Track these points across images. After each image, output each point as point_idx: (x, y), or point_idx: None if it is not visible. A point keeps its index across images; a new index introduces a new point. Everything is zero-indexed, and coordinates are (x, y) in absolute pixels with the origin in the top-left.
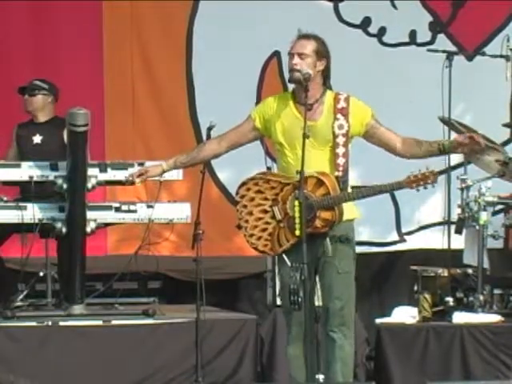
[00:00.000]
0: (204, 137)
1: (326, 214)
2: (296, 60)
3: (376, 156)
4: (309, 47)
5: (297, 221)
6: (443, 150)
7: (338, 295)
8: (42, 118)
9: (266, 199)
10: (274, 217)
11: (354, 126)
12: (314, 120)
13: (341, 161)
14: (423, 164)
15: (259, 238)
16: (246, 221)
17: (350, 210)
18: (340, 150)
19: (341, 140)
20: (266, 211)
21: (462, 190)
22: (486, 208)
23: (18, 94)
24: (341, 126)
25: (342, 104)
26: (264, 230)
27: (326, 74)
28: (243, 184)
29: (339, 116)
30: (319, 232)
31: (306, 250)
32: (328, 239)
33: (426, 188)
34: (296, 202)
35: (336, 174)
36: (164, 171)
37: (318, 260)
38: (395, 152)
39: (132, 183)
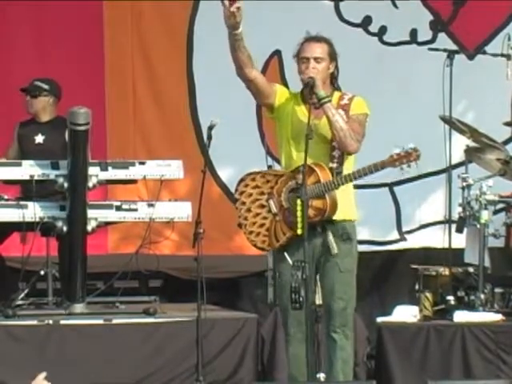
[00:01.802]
0: (205, 136)
1: (318, 202)
2: (313, 64)
3: (375, 155)
4: (323, 51)
5: (299, 219)
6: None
7: (341, 295)
8: (45, 118)
9: (262, 194)
10: (270, 211)
11: None
12: (319, 119)
13: (336, 153)
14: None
15: (258, 235)
16: (245, 218)
17: (351, 210)
18: (336, 143)
19: None
20: (263, 206)
21: (462, 188)
22: (487, 207)
23: (21, 94)
24: None
25: (345, 101)
26: (262, 225)
27: (334, 75)
28: (241, 180)
29: (340, 111)
30: (312, 221)
31: (307, 249)
32: (331, 237)
33: (409, 166)
34: (298, 201)
35: (330, 165)
36: (238, 32)
37: (319, 258)
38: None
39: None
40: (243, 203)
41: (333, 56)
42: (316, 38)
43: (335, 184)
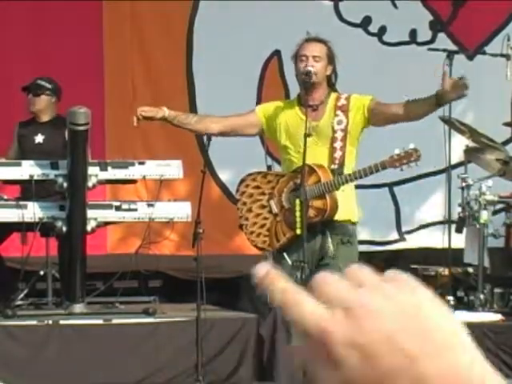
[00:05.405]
0: (204, 136)
1: (318, 202)
2: (312, 62)
3: (375, 155)
4: (322, 50)
5: (298, 219)
6: (440, 98)
7: None
8: (45, 117)
9: (263, 194)
10: (271, 211)
11: (355, 119)
12: (317, 120)
13: (337, 154)
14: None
15: (258, 235)
16: (246, 218)
17: (351, 212)
18: (337, 145)
19: (339, 135)
20: (263, 206)
21: (462, 188)
22: (487, 207)
23: (21, 93)
24: (340, 122)
25: (342, 102)
26: (263, 225)
27: (332, 78)
28: (242, 181)
29: (339, 112)
30: (313, 222)
31: (306, 250)
32: (329, 239)
33: (410, 167)
34: (297, 201)
35: (332, 167)
36: (164, 118)
37: (319, 260)
38: (402, 118)
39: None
40: (244, 203)
41: (331, 58)
42: (315, 38)
43: (335, 184)
